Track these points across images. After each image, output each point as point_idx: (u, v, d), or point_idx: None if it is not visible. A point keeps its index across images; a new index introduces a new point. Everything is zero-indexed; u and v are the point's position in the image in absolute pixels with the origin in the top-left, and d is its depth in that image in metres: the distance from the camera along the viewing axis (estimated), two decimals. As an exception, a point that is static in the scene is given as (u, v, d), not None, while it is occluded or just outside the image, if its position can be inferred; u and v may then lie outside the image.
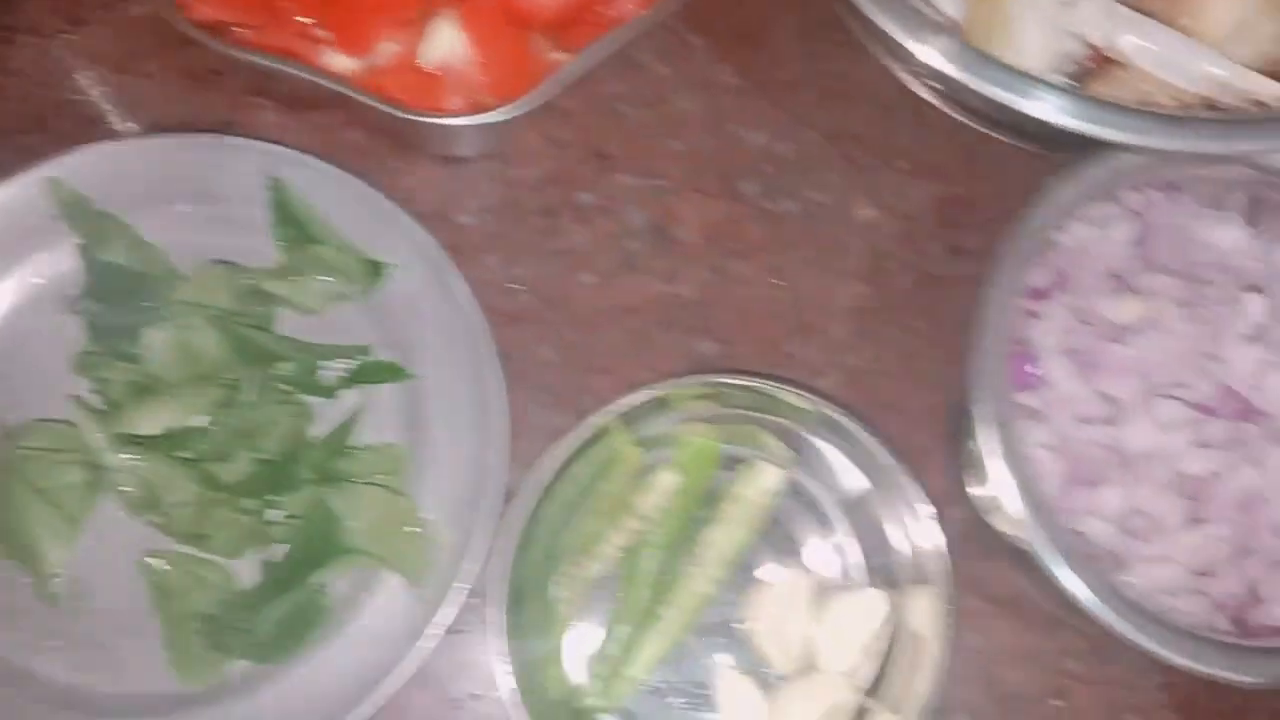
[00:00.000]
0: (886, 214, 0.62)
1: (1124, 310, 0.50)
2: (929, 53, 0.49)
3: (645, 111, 0.63)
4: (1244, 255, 0.54)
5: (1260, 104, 0.54)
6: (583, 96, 0.61)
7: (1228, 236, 0.53)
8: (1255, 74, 0.54)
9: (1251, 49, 0.55)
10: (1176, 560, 0.49)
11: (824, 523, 0.56)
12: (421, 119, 0.54)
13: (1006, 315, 0.48)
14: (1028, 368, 0.50)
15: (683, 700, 0.55)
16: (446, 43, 0.55)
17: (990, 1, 0.53)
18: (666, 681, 0.55)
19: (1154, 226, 0.53)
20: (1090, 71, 0.57)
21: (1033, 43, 0.52)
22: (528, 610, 0.52)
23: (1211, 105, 0.56)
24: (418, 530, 0.53)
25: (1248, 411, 0.51)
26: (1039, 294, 0.51)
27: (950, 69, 0.50)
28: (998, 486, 0.46)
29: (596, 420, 0.52)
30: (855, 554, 0.56)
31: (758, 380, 0.54)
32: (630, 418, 0.54)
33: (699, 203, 0.62)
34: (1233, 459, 0.50)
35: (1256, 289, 0.52)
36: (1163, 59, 0.55)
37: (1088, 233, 0.52)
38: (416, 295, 0.57)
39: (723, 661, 0.55)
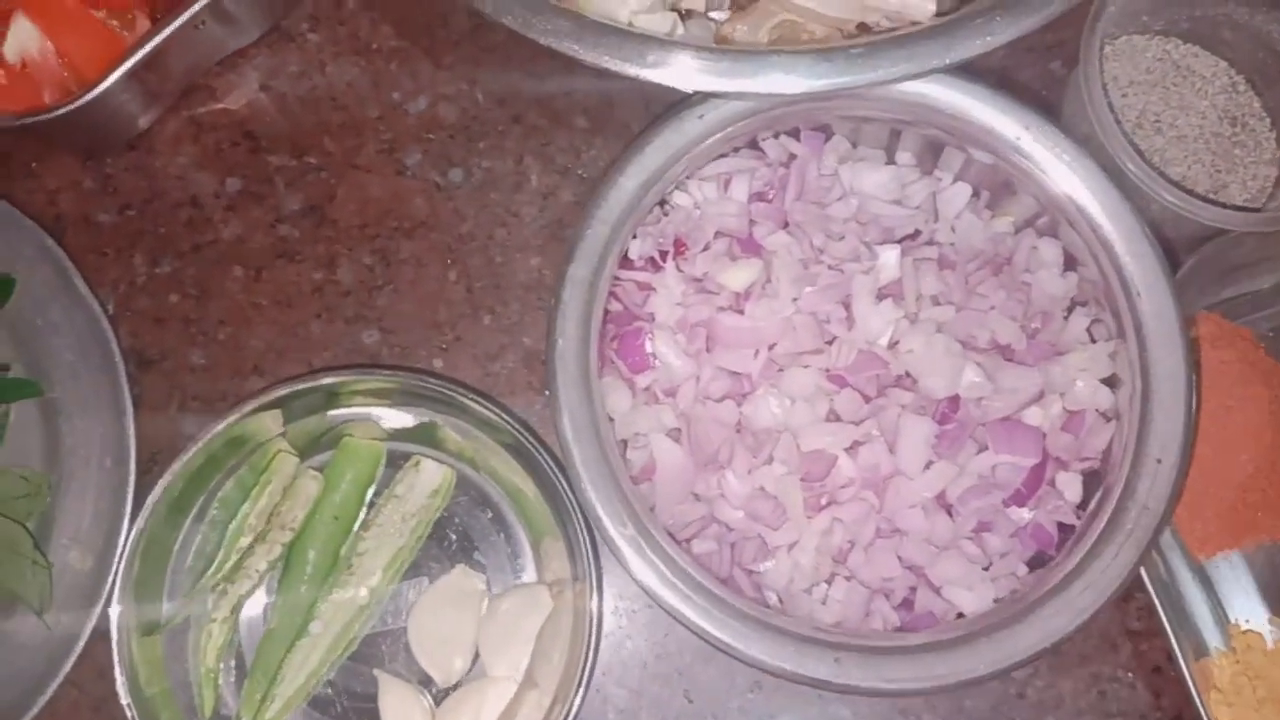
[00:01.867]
0: (563, 178, 0.57)
1: (738, 276, 0.45)
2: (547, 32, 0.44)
3: (297, 84, 0.58)
4: (893, 201, 0.48)
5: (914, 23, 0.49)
6: (229, 74, 0.57)
7: (873, 181, 0.48)
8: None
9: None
10: (807, 546, 0.45)
11: (499, 522, 0.53)
12: (18, 121, 0.50)
13: (592, 292, 0.43)
14: (645, 346, 0.46)
15: (352, 714, 0.52)
16: (24, 37, 0.50)
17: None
18: (331, 696, 0.52)
19: (792, 178, 0.48)
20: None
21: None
22: (171, 632, 0.49)
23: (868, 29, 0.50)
24: (36, 561, 0.50)
25: (885, 378, 0.46)
26: (654, 264, 0.47)
27: (566, 46, 0.44)
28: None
29: (220, 428, 0.48)
30: (526, 551, 0.53)
31: (408, 375, 0.50)
32: (289, 418, 0.51)
33: (359, 180, 0.57)
34: (868, 431, 0.45)
35: (897, 240, 0.47)
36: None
37: (707, 192, 0.47)
38: (46, 308, 0.54)
39: (388, 672, 0.52)
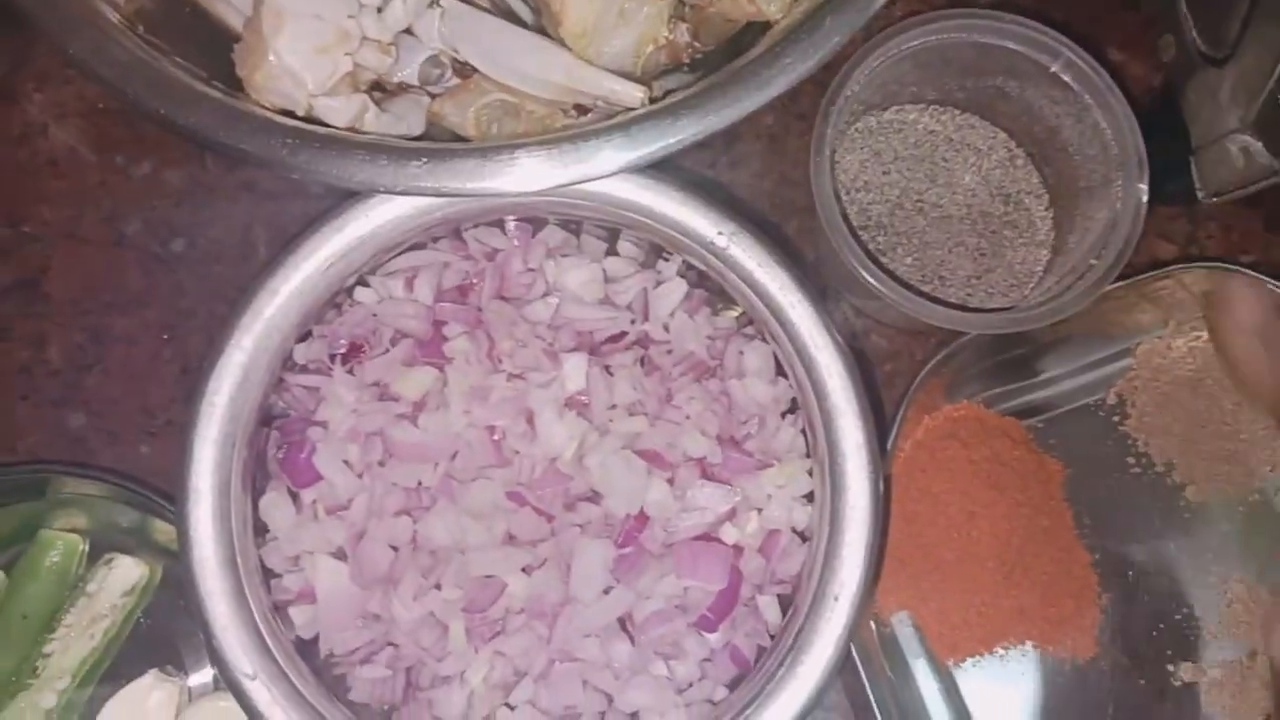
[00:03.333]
0: (293, 249, 0.53)
1: (411, 384, 0.42)
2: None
3: (17, 149, 0.54)
4: (599, 301, 0.45)
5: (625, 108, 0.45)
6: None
7: (578, 278, 0.45)
8: (612, 76, 0.45)
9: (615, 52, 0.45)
10: (473, 678, 0.42)
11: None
12: None
13: (240, 405, 0.40)
14: (312, 459, 0.43)
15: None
16: None
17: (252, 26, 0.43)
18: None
19: (488, 275, 0.45)
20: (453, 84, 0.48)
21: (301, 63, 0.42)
22: None
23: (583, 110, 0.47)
24: None
25: (570, 495, 0.43)
26: (320, 367, 0.43)
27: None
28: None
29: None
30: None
31: (89, 475, 0.48)
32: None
33: (76, 251, 0.54)
34: (541, 556, 0.42)
35: (604, 340, 0.44)
36: (513, 66, 0.46)
37: (392, 288, 0.44)
38: None
39: (76, 777, 0.49)
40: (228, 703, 0.49)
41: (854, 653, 0.47)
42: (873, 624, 0.50)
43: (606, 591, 0.43)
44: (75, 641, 0.50)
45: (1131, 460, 0.53)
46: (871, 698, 0.47)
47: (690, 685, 0.44)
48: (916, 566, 0.51)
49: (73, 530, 0.51)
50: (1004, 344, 0.52)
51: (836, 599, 0.40)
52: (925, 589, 0.51)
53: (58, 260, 0.54)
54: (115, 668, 0.51)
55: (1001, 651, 0.51)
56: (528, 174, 0.38)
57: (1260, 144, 0.44)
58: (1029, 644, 0.51)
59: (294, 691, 0.39)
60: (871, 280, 0.46)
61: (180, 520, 0.39)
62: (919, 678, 0.51)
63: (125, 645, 0.51)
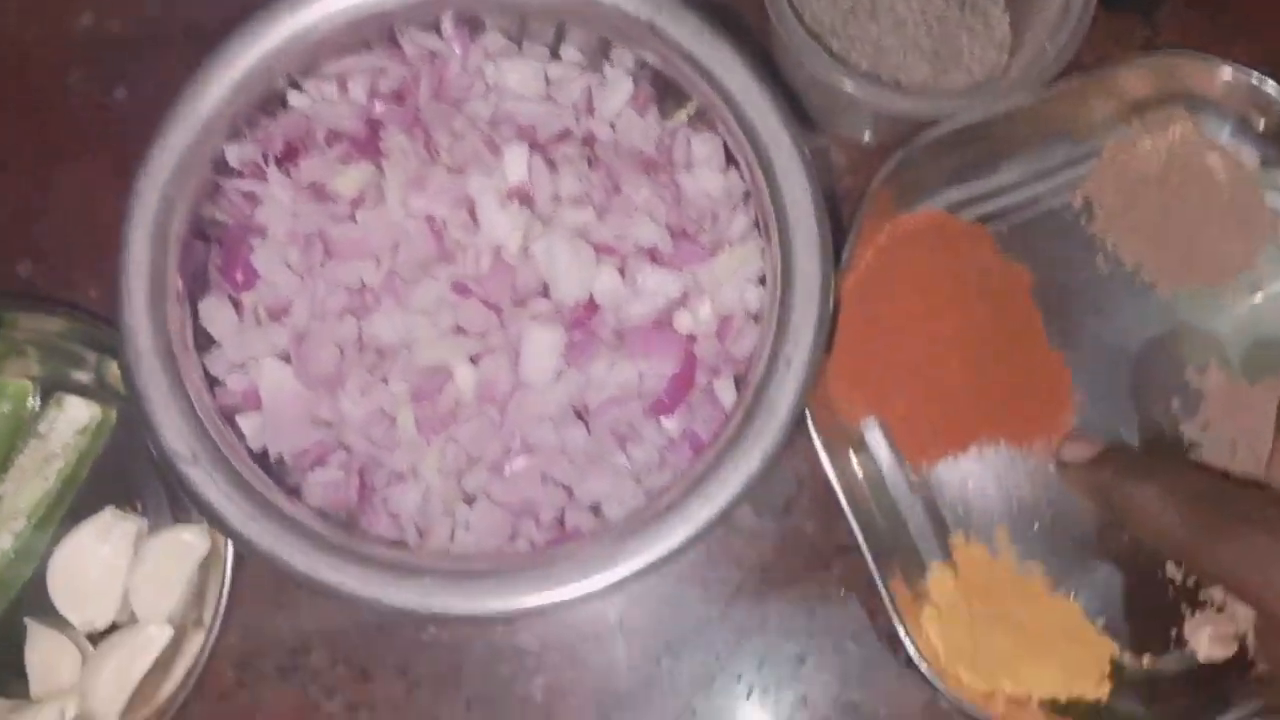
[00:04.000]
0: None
1: (348, 180, 0.41)
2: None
3: (-48, 3, 0.53)
4: (542, 98, 0.44)
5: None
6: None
7: (518, 77, 0.44)
8: None
9: None
10: (427, 469, 0.41)
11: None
12: None
13: (169, 202, 0.39)
14: (251, 261, 0.42)
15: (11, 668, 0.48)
16: None
17: None
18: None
19: (424, 76, 0.44)
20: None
21: None
22: None
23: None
24: None
25: (520, 288, 0.42)
26: (258, 171, 0.42)
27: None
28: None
29: None
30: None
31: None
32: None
33: (19, 102, 0.53)
34: (490, 343, 0.42)
35: (547, 139, 0.43)
36: None
37: (325, 91, 0.43)
38: None
39: (37, 622, 0.48)
40: (187, 535, 0.48)
41: (821, 455, 0.46)
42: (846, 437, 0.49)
43: (558, 377, 0.42)
44: (28, 482, 0.49)
45: (1100, 260, 0.52)
46: (844, 505, 0.46)
47: (650, 472, 0.43)
48: (882, 371, 0.50)
49: (26, 378, 0.50)
50: (964, 147, 0.51)
51: (790, 362, 0.39)
52: (891, 393, 0.50)
53: (1, 112, 0.53)
54: (74, 511, 0.50)
55: (975, 452, 0.50)
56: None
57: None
58: (1002, 443, 0.50)
59: (237, 477, 0.38)
60: (831, 72, 0.45)
61: (116, 311, 0.38)
62: (890, 480, 0.50)
63: (84, 490, 0.50)
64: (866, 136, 0.52)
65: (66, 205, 0.52)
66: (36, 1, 0.54)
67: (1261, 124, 0.51)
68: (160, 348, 0.39)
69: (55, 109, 0.53)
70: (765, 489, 0.50)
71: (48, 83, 0.53)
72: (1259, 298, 0.52)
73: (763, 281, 0.43)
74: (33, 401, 0.50)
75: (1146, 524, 0.40)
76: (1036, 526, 0.50)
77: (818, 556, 0.50)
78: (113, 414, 0.50)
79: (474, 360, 0.42)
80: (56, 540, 0.48)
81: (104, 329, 0.47)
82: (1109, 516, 0.45)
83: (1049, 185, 0.53)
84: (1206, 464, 0.49)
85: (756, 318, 0.43)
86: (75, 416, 0.49)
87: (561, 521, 0.43)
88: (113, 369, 0.50)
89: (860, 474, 0.49)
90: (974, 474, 0.50)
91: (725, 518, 0.38)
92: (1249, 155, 0.52)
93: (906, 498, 0.50)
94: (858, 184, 0.54)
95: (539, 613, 0.38)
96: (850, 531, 0.47)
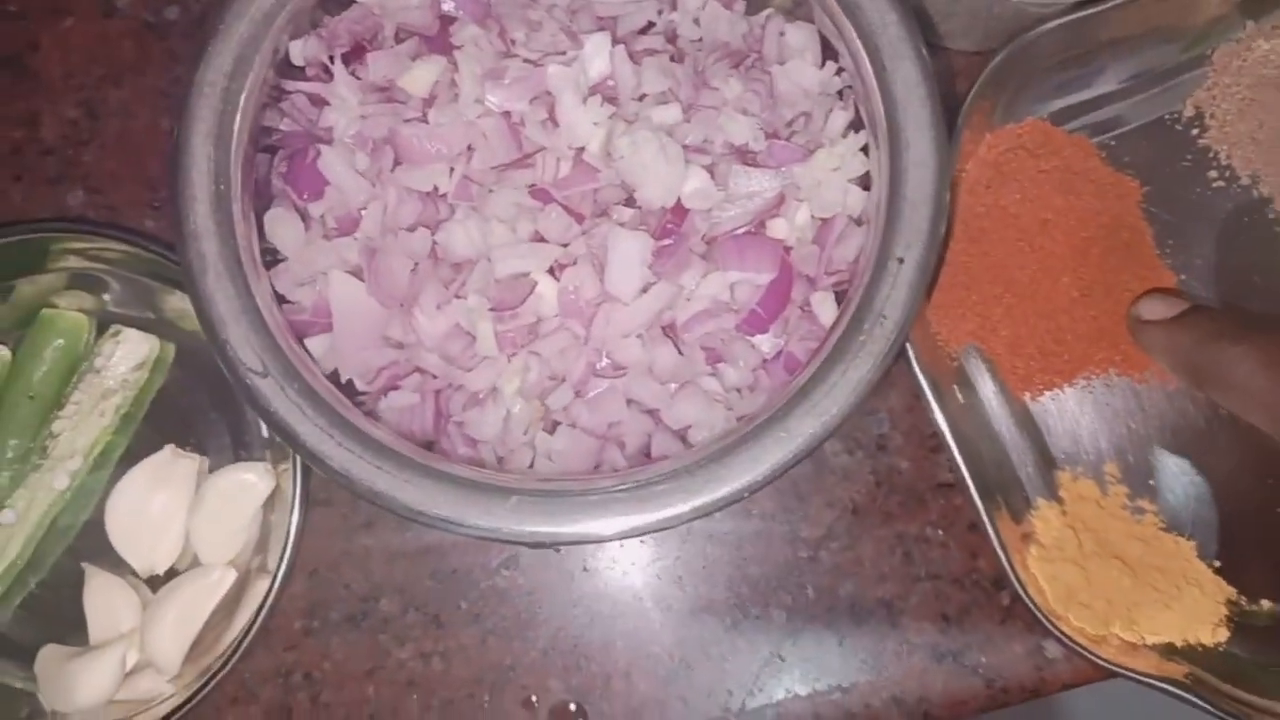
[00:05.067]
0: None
1: (419, 77, 0.39)
2: None
3: (-6, -76, 0.51)
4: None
5: None
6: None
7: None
8: None
9: None
10: (508, 388, 0.38)
11: (223, 399, 0.47)
12: None
13: (231, 102, 0.37)
14: (317, 168, 0.39)
15: (68, 611, 0.46)
16: None
17: None
18: (44, 595, 0.46)
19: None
20: None
21: None
22: None
23: None
24: None
25: (602, 194, 0.39)
26: (323, 71, 0.40)
27: None
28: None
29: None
30: (253, 429, 0.47)
31: (117, 236, 0.44)
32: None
33: (63, 25, 0.51)
34: (572, 252, 0.39)
35: (615, 38, 0.40)
36: None
37: (392, -14, 0.40)
38: None
39: (95, 566, 0.46)
40: (250, 475, 0.46)
41: (924, 386, 0.43)
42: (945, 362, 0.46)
43: (646, 289, 0.38)
44: (85, 420, 0.46)
45: (1214, 174, 0.48)
46: (948, 438, 0.43)
47: (742, 396, 0.40)
48: (985, 291, 0.46)
49: (80, 310, 0.48)
50: (1066, 51, 0.47)
51: (904, 262, 0.36)
52: (996, 317, 0.47)
53: (45, 37, 0.50)
54: (132, 450, 0.47)
55: (1084, 382, 0.47)
56: None
57: None
58: (1112, 372, 0.47)
59: (309, 390, 0.36)
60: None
61: (179, 219, 0.36)
62: (991, 413, 0.46)
63: (142, 428, 0.48)
64: (972, 44, 0.49)
65: (113, 131, 0.50)
66: (82, -80, 0.51)
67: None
68: (227, 255, 0.36)
69: (102, 29, 0.50)
70: (859, 424, 0.47)
71: (91, 5, 0.50)
72: (1389, 207, 0.47)
73: (866, 183, 0.40)
74: (89, 336, 0.47)
75: (1235, 389, 0.36)
76: (1149, 463, 0.46)
77: (914, 496, 0.47)
78: (171, 349, 0.48)
79: (555, 271, 0.39)
80: (115, 481, 0.46)
81: (162, 258, 0.45)
82: (1188, 382, 0.41)
83: (1156, 93, 0.49)
84: None
85: (860, 221, 0.40)
86: (133, 350, 0.47)
87: (648, 452, 0.40)
88: (170, 301, 0.48)
89: (962, 407, 0.46)
90: (1083, 406, 0.47)
91: (831, 434, 0.35)
92: (1377, 56, 0.48)
93: (1011, 432, 0.47)
94: (960, 94, 0.50)
95: (641, 533, 0.34)
96: (949, 470, 0.44)
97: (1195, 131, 0.49)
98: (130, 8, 0.51)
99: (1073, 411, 0.47)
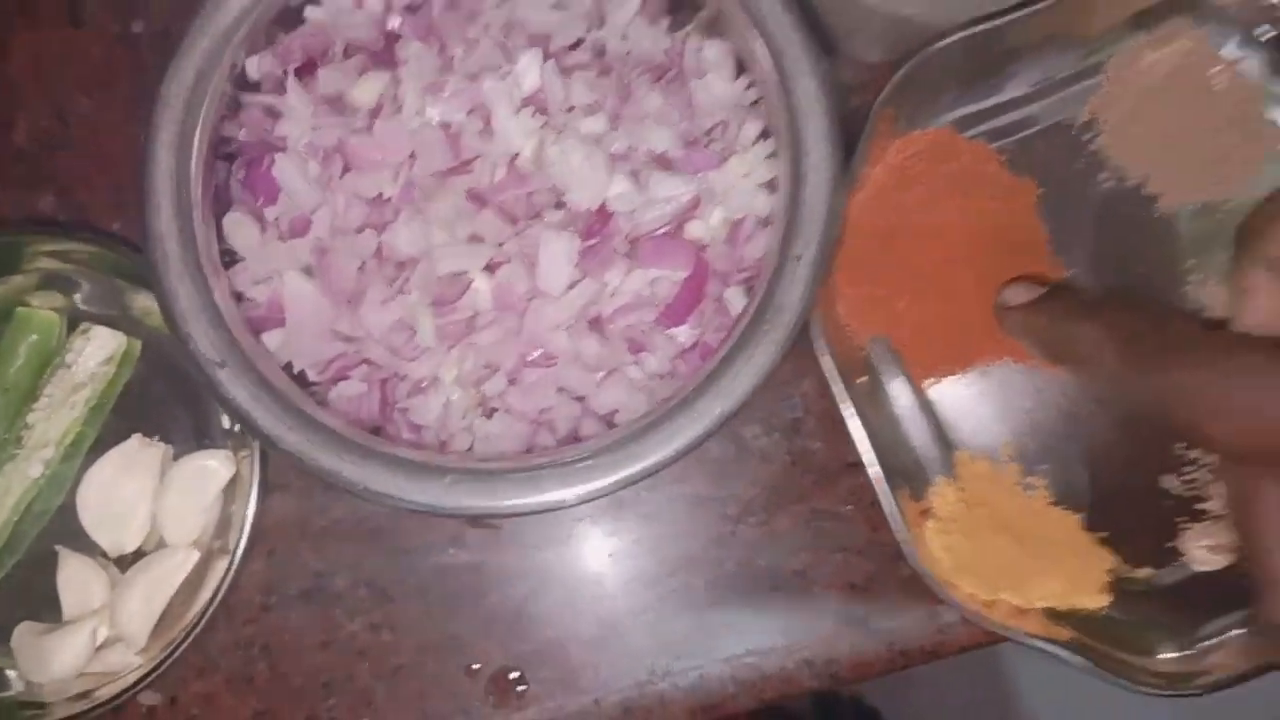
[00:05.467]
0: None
1: (365, 89, 0.42)
2: None
3: (-36, -60, 0.54)
4: (552, 6, 0.45)
5: None
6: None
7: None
8: None
9: None
10: (447, 377, 0.42)
11: (186, 391, 0.50)
12: None
13: (192, 113, 0.40)
14: (272, 174, 0.43)
15: (42, 592, 0.49)
16: None
17: None
18: (22, 577, 0.50)
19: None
20: None
21: None
22: None
23: None
24: None
25: (535, 198, 0.43)
26: (278, 84, 0.43)
27: None
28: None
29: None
30: (214, 420, 0.50)
31: (87, 238, 0.48)
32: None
33: (35, 33, 0.54)
34: (507, 251, 0.42)
35: (547, 54, 0.44)
36: None
37: (341, 3, 0.44)
38: None
39: (67, 548, 0.49)
40: (211, 461, 0.49)
41: (832, 380, 0.47)
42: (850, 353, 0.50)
43: (573, 285, 0.42)
44: (57, 412, 0.50)
45: (1105, 175, 0.53)
46: (851, 423, 0.47)
47: (662, 382, 0.44)
48: (891, 287, 0.51)
49: (52, 309, 0.51)
50: (969, 62, 0.51)
51: (799, 259, 0.40)
52: (900, 310, 0.51)
53: (16, 43, 0.54)
54: (102, 440, 0.51)
55: (981, 369, 0.51)
56: None
57: None
58: (1007, 359, 0.51)
59: (264, 381, 0.39)
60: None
61: (144, 222, 0.39)
62: (896, 399, 0.51)
63: (111, 419, 0.51)
64: (877, 55, 0.53)
65: (86, 137, 0.53)
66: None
67: (1267, 36, 0.52)
68: (188, 256, 0.40)
69: (73, 41, 0.54)
70: (776, 410, 0.51)
71: (61, 15, 0.54)
72: (1266, 209, 0.52)
73: (772, 187, 0.44)
74: (60, 333, 0.51)
75: (1084, 362, 0.40)
76: (1040, 443, 0.51)
77: (826, 475, 0.51)
78: (137, 344, 0.51)
79: (491, 269, 0.43)
80: (85, 468, 0.49)
81: (128, 257, 0.48)
82: (1047, 359, 0.44)
83: (1054, 100, 0.54)
84: (1148, 304, 0.50)
85: (767, 222, 0.44)
86: (102, 346, 0.50)
87: (576, 433, 0.44)
88: (137, 300, 0.51)
89: (869, 394, 0.50)
90: (979, 391, 0.51)
91: (732, 415, 0.39)
92: (1253, 68, 0.53)
93: (914, 416, 0.51)
94: (866, 103, 0.54)
95: (569, 505, 0.38)
96: (857, 450, 0.48)
97: (1089, 136, 0.53)
98: (98, 21, 0.54)
99: (971, 396, 0.51)
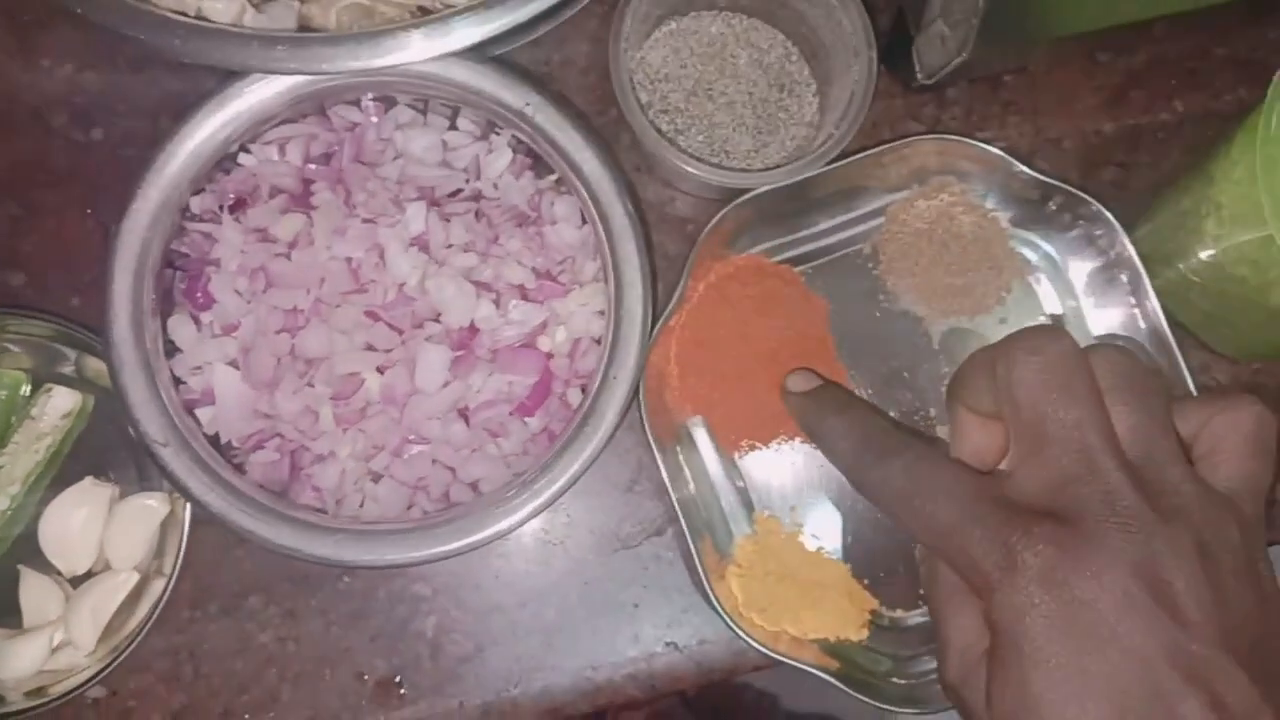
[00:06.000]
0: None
1: (286, 227, 0.54)
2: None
3: (-46, 54, 0.64)
4: (438, 164, 0.57)
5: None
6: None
7: (421, 145, 0.57)
8: (446, -16, 0.56)
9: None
10: (342, 453, 0.55)
11: (129, 441, 0.62)
12: None
13: (148, 244, 0.52)
14: (208, 288, 0.55)
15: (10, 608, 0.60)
16: None
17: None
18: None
19: (347, 142, 0.57)
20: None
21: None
22: None
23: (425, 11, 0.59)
24: None
25: (417, 314, 0.55)
26: (215, 216, 0.55)
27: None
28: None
29: None
30: (151, 466, 0.61)
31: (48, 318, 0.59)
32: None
33: (10, 139, 0.64)
34: (394, 358, 0.55)
35: (441, 196, 0.56)
36: (364, -24, 0.57)
37: (268, 154, 0.55)
38: None
39: (29, 568, 0.61)
40: (150, 501, 0.61)
41: (655, 451, 0.60)
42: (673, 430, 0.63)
43: (445, 385, 0.55)
44: (22, 456, 0.61)
45: (882, 298, 0.67)
46: (668, 486, 0.60)
47: (517, 458, 0.57)
48: (707, 379, 0.64)
49: (17, 369, 0.63)
50: (780, 203, 0.65)
51: (615, 378, 0.53)
52: (714, 396, 0.64)
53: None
54: (60, 479, 0.62)
55: (776, 444, 0.65)
56: (365, 53, 0.50)
57: (948, 30, 0.57)
58: (796, 440, 0.65)
59: (198, 457, 0.51)
60: (667, 155, 0.58)
61: (104, 329, 0.51)
62: (710, 469, 0.64)
63: (67, 462, 0.62)
64: (708, 191, 0.66)
65: (49, 227, 0.64)
66: (29, 56, 0.65)
67: (1011, 191, 0.66)
68: (140, 358, 0.51)
69: (41, 145, 0.65)
70: (617, 470, 0.64)
71: (33, 123, 0.65)
72: (1006, 328, 0.67)
73: (603, 314, 0.57)
74: (26, 390, 0.62)
75: (829, 449, 0.49)
76: (820, 506, 0.65)
77: (654, 525, 0.64)
78: (90, 401, 0.63)
79: (380, 370, 0.55)
80: (45, 503, 0.60)
81: (83, 333, 0.60)
82: (811, 440, 0.54)
83: (848, 235, 0.67)
84: (887, 414, 0.63)
85: (598, 341, 0.57)
86: (61, 403, 0.61)
87: (448, 496, 0.57)
88: (90, 364, 0.63)
89: (686, 462, 0.64)
90: (775, 463, 0.65)
91: (565, 491, 0.52)
92: (1003, 215, 0.67)
93: (723, 482, 0.65)
94: (699, 229, 0.68)
95: (427, 562, 0.51)
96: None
97: (872, 265, 0.67)
98: (63, 129, 0.65)
99: (769, 465, 0.65)
